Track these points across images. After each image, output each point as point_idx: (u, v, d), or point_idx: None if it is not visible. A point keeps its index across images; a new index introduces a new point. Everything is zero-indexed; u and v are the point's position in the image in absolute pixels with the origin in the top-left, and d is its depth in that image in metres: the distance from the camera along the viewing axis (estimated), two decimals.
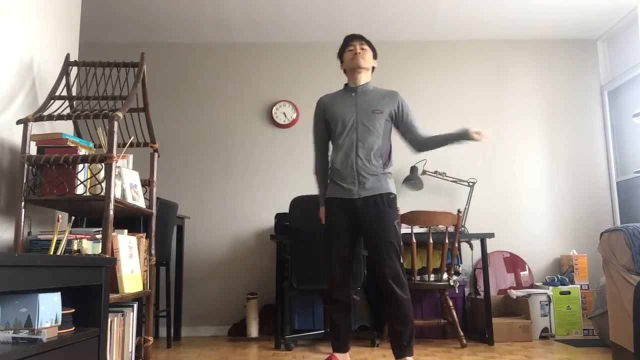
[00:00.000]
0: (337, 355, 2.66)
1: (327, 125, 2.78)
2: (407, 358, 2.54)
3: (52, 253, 2.03)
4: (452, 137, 2.71)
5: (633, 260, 2.36)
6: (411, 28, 4.40)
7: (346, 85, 2.81)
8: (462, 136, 2.68)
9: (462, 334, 3.47)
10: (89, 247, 2.15)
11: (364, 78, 2.76)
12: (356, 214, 2.62)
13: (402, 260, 2.59)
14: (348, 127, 2.68)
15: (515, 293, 3.85)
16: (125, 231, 2.39)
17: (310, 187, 4.40)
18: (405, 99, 2.78)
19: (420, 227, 3.61)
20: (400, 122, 2.76)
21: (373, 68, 2.82)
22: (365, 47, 2.75)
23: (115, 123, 2.21)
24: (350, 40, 2.78)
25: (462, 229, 3.85)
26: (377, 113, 2.69)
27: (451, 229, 3.50)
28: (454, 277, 3.51)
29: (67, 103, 2.64)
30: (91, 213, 2.63)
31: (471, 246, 4.05)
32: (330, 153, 2.80)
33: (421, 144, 2.77)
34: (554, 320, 3.80)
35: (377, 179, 2.63)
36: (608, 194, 4.43)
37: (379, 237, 2.57)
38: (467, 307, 3.98)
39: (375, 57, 2.81)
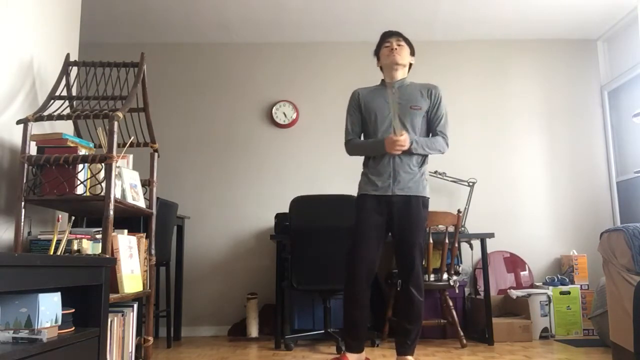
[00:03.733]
0: (350, 355, 2.61)
1: (362, 117, 2.75)
2: (408, 357, 2.55)
3: (52, 253, 2.03)
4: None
5: (633, 260, 2.35)
6: (411, 28, 4.39)
7: (383, 81, 2.78)
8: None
9: (462, 334, 3.47)
10: (89, 247, 2.15)
11: (400, 74, 2.73)
12: (390, 211, 2.61)
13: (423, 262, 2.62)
14: (386, 122, 2.65)
15: (515, 293, 3.85)
16: (125, 231, 2.39)
17: (310, 187, 4.41)
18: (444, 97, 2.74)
19: None
20: (429, 113, 2.71)
21: (410, 65, 2.79)
22: (402, 43, 2.73)
23: (115, 123, 2.21)
24: (387, 36, 2.76)
25: (462, 229, 3.85)
26: (416, 109, 2.66)
27: (451, 229, 3.50)
28: (454, 277, 3.52)
29: (67, 103, 2.64)
30: (91, 213, 2.63)
31: (471, 246, 4.05)
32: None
33: None
34: (554, 320, 3.80)
35: (412, 179, 2.62)
36: (608, 194, 4.43)
37: (410, 237, 2.57)
38: (467, 307, 3.98)
39: (412, 53, 2.79)
